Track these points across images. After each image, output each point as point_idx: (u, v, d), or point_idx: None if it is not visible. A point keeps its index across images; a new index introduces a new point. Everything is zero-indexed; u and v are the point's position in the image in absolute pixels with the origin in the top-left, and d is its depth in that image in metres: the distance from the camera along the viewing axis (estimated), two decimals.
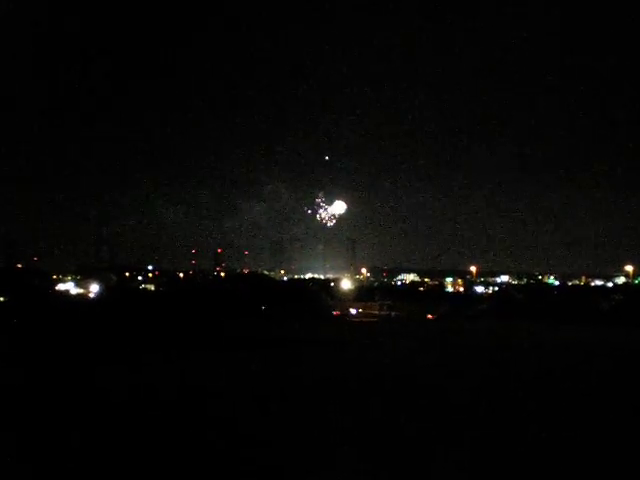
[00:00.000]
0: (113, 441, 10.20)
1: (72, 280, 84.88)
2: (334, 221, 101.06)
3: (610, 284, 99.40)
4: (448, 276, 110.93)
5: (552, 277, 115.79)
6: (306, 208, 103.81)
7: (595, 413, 12.37)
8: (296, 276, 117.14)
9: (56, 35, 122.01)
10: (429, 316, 52.65)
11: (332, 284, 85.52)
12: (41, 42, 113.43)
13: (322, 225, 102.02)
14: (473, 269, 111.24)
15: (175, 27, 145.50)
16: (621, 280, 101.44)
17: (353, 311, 56.33)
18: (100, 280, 75.39)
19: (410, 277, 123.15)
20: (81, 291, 71.43)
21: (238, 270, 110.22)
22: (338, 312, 54.74)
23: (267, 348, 25.47)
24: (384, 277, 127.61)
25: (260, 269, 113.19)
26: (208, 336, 29.68)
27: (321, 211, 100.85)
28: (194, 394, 14.62)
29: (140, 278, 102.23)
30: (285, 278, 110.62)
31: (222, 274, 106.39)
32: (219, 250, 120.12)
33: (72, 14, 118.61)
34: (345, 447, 9.70)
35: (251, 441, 10.27)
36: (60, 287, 75.32)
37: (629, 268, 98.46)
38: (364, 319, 50.43)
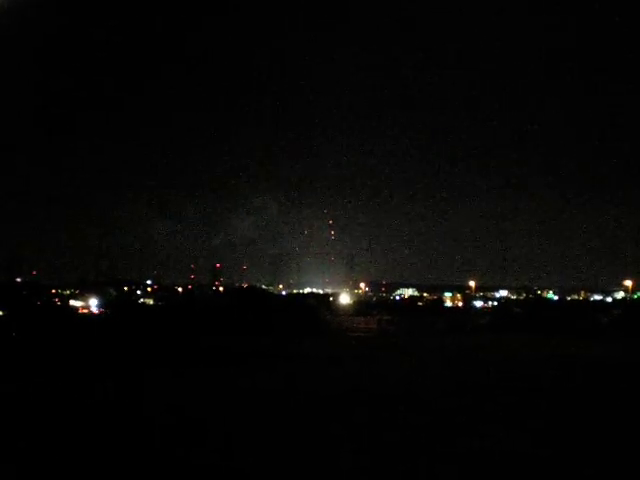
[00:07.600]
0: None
1: (70, 294, 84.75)
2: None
3: (609, 299, 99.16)
4: (447, 291, 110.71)
5: (551, 292, 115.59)
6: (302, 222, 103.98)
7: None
8: (295, 291, 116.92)
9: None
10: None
11: (331, 299, 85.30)
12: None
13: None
14: (472, 284, 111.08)
15: (164, 45, 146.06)
16: (620, 295, 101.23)
17: (351, 326, 56.13)
18: (99, 294, 75.21)
19: (409, 292, 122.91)
20: (79, 304, 71.25)
21: (237, 285, 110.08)
22: (336, 327, 54.51)
23: (258, 363, 25.56)
24: (383, 292, 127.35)
25: (259, 284, 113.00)
26: (200, 351, 29.94)
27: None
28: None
29: (139, 292, 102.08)
30: (284, 292, 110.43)
31: (221, 289, 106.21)
32: (217, 265, 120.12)
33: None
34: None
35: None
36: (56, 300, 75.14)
37: (628, 283, 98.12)
38: (362, 334, 50.29)
